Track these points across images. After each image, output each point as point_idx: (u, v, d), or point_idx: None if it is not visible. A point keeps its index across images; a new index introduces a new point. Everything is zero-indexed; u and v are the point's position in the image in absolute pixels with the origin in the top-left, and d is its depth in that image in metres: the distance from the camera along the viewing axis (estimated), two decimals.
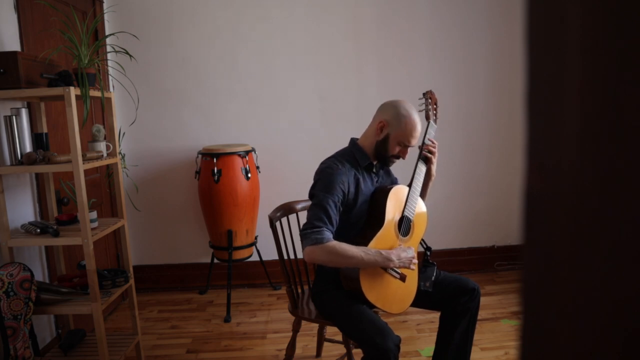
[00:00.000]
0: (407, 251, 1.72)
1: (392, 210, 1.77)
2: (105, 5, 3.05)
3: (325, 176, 1.73)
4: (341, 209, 1.73)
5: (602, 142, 0.26)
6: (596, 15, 0.26)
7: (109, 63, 2.87)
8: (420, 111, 1.98)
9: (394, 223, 1.77)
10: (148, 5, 3.15)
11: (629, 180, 0.25)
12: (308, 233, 1.64)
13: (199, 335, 2.70)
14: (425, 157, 1.87)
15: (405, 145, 1.77)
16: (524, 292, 0.33)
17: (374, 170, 1.87)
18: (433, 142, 1.89)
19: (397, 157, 1.81)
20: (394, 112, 1.76)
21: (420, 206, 1.88)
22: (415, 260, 1.76)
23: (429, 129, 1.91)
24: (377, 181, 1.88)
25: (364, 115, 3.30)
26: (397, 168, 2.27)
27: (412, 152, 1.94)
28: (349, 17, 3.24)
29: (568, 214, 0.29)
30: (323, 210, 1.67)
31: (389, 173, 1.98)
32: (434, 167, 1.90)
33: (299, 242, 2.23)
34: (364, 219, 1.80)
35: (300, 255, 2.32)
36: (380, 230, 1.72)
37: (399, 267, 1.72)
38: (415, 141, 1.77)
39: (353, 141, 1.88)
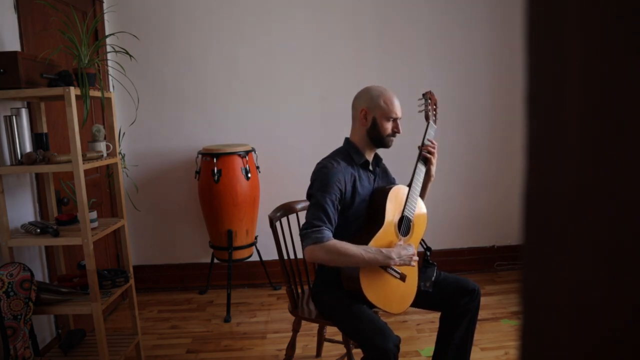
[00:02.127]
0: (407, 248, 1.72)
1: (392, 210, 1.77)
2: (105, 5, 3.05)
3: (321, 176, 1.74)
4: (339, 207, 1.73)
5: (602, 142, 0.26)
6: (596, 15, 0.26)
7: (109, 63, 2.87)
8: (419, 112, 1.98)
9: (394, 223, 1.77)
10: (148, 5, 3.15)
11: (628, 180, 0.25)
12: (308, 232, 1.65)
13: (199, 335, 2.70)
14: (424, 158, 1.87)
15: (394, 119, 1.79)
16: (524, 292, 0.33)
17: (370, 168, 1.87)
18: (433, 143, 1.89)
19: (394, 134, 1.81)
20: (367, 96, 1.79)
21: (420, 206, 1.88)
22: (416, 257, 1.76)
23: (428, 130, 1.91)
24: (374, 179, 1.88)
25: None
26: (397, 168, 2.27)
27: (412, 153, 1.94)
28: (349, 17, 3.24)
29: (568, 214, 0.29)
30: (322, 209, 1.67)
31: (386, 173, 1.98)
32: (433, 168, 1.90)
33: (299, 242, 2.23)
34: (361, 218, 1.80)
35: (300, 255, 2.32)
36: (380, 230, 1.72)
37: (400, 265, 1.71)
38: (399, 112, 1.79)
39: (347, 140, 1.89)
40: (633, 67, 0.24)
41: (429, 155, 1.87)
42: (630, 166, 0.25)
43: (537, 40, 0.30)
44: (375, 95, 1.77)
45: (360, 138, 1.83)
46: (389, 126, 1.78)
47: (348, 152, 1.84)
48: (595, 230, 0.27)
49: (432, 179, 1.93)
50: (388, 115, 1.77)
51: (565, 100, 0.28)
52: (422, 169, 1.86)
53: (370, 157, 1.86)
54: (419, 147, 1.89)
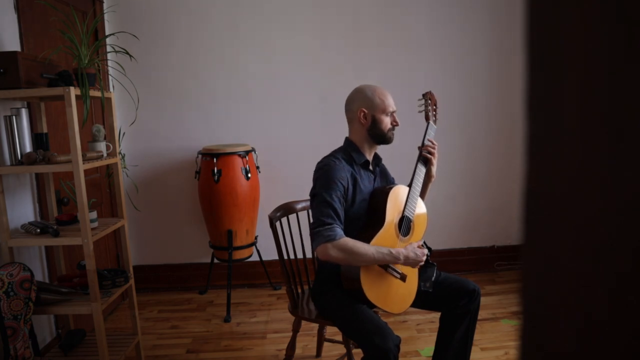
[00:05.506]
0: (416, 252, 1.72)
1: (392, 210, 1.77)
2: (105, 5, 3.05)
3: (324, 174, 1.74)
4: (344, 204, 1.73)
5: (602, 142, 0.26)
6: (596, 16, 0.26)
7: (109, 63, 2.87)
8: (419, 112, 1.98)
9: (394, 223, 1.77)
10: (148, 6, 3.15)
11: (629, 180, 0.25)
12: (320, 230, 1.64)
13: (199, 335, 2.70)
14: (425, 158, 1.88)
15: (391, 113, 1.81)
16: (524, 292, 0.33)
17: (370, 167, 1.87)
18: (433, 143, 1.89)
19: (393, 128, 1.83)
20: (361, 96, 1.80)
21: (420, 206, 1.88)
22: (424, 258, 1.76)
23: (428, 130, 1.91)
24: (374, 179, 1.88)
25: None
26: (396, 169, 2.28)
27: (413, 153, 1.94)
28: (349, 18, 3.24)
29: (568, 214, 0.29)
30: (329, 206, 1.67)
31: (385, 173, 1.99)
32: (434, 168, 1.90)
33: (299, 242, 2.23)
34: (362, 218, 1.80)
35: (300, 255, 2.32)
36: (381, 230, 1.72)
37: (405, 265, 1.72)
38: (393, 104, 1.81)
39: (347, 140, 1.89)
40: (632, 67, 0.24)
41: (429, 155, 1.87)
42: (630, 166, 0.25)
43: (537, 40, 0.30)
44: (369, 94, 1.79)
45: (360, 138, 1.83)
46: (388, 121, 1.80)
47: (348, 152, 1.84)
48: (595, 230, 0.27)
49: (433, 179, 1.93)
50: (386, 110, 1.79)
51: (565, 100, 0.28)
52: (422, 169, 1.86)
53: (370, 156, 1.87)
54: (419, 148, 1.90)
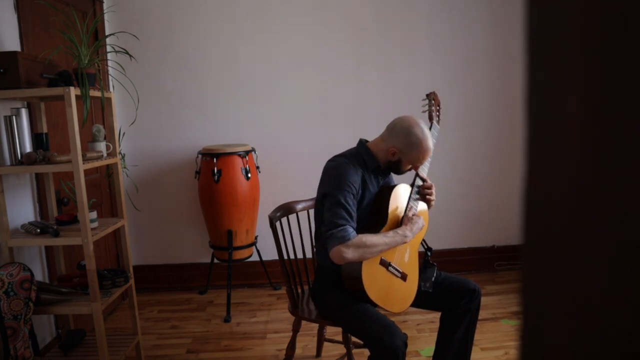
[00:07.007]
0: (417, 221, 1.77)
1: (395, 209, 1.78)
2: (105, 5, 3.05)
3: (338, 174, 1.74)
4: (355, 204, 1.74)
5: (602, 143, 0.26)
6: (596, 14, 0.26)
7: (109, 63, 2.87)
8: (423, 112, 1.98)
9: (397, 221, 1.78)
10: (148, 5, 3.15)
11: (628, 180, 0.25)
12: (333, 233, 1.65)
13: (199, 335, 2.70)
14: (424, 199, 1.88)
15: (418, 165, 1.82)
16: (524, 292, 0.33)
17: (380, 172, 1.87)
18: (429, 186, 1.87)
19: (410, 169, 1.85)
20: (404, 141, 1.75)
21: (422, 206, 1.88)
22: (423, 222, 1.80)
23: (432, 130, 1.91)
24: (383, 182, 1.89)
25: (364, 116, 3.30)
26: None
27: None
28: (350, 17, 3.24)
29: (568, 214, 0.29)
30: (341, 207, 1.68)
31: (390, 178, 1.99)
32: (433, 202, 1.90)
33: (299, 242, 2.23)
34: (365, 219, 1.81)
35: (300, 255, 2.32)
36: (383, 228, 1.73)
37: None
38: (426, 161, 1.82)
39: (362, 143, 1.87)
40: (632, 66, 0.24)
41: (429, 197, 1.87)
42: (630, 166, 0.25)
43: (537, 40, 0.30)
44: (413, 144, 1.74)
45: (378, 153, 1.82)
46: (409, 167, 1.83)
47: (361, 156, 1.82)
48: (595, 230, 0.27)
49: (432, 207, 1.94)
50: (415, 163, 1.80)
51: (565, 101, 0.28)
52: (424, 170, 1.87)
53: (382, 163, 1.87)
54: (414, 182, 1.88)
